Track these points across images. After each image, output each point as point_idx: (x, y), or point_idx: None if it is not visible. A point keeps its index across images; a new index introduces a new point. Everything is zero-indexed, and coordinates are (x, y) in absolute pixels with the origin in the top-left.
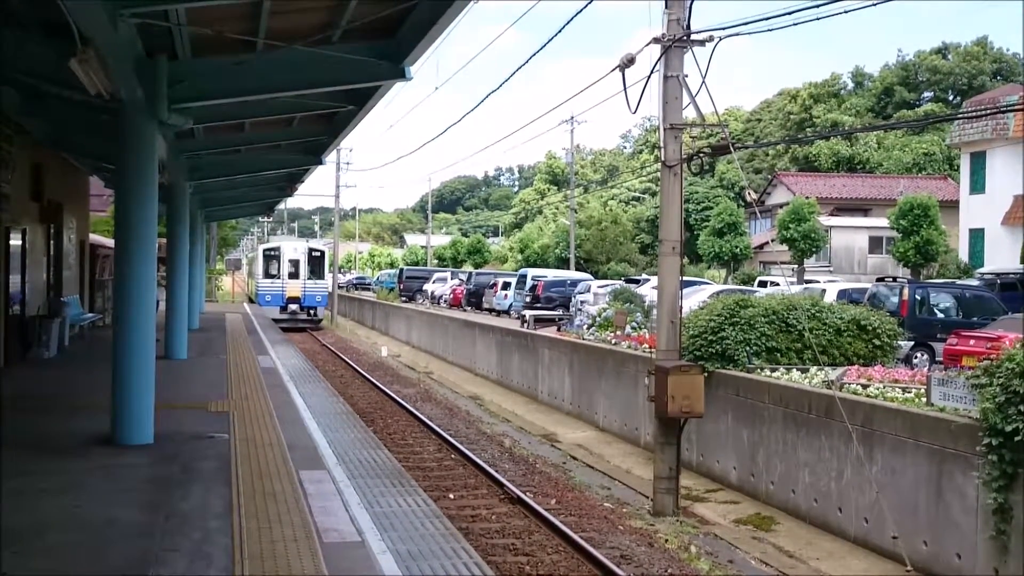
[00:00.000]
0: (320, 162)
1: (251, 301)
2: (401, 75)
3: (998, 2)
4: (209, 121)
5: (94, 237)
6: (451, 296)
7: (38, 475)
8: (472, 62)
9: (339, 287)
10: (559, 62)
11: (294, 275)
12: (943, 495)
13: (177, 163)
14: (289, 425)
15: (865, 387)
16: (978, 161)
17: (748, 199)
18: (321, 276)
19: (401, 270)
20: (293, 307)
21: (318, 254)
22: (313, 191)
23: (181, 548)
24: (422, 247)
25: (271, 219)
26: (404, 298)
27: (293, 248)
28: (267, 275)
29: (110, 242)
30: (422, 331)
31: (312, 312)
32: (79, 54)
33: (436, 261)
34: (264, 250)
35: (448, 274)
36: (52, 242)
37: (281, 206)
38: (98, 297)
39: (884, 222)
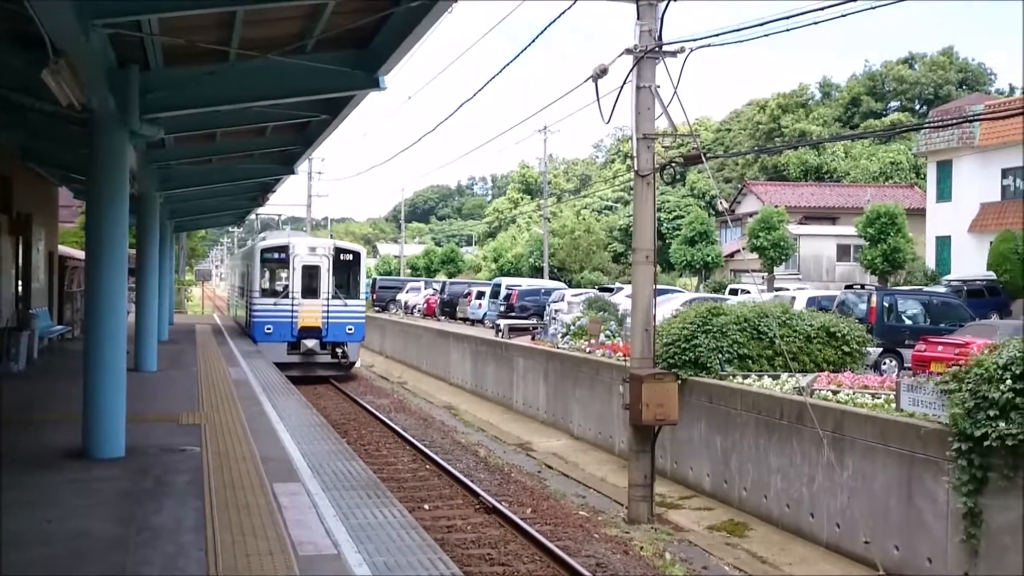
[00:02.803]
0: (292, 171)
1: (245, 334)
2: (375, 84)
3: (964, 3)
4: (181, 131)
5: (63, 249)
6: (425, 306)
7: (8, 489)
8: (451, 70)
9: None
10: (536, 70)
11: (311, 291)
12: (914, 500)
13: (148, 173)
14: (262, 437)
15: (835, 393)
16: (944, 169)
17: (719, 208)
18: (354, 292)
19: (374, 280)
20: (310, 343)
21: (350, 257)
22: (285, 201)
23: (154, 562)
24: (395, 257)
25: (242, 229)
26: (377, 308)
27: (310, 247)
28: (268, 291)
29: (80, 253)
30: (396, 341)
31: (341, 352)
32: (51, 65)
33: (409, 271)
34: (263, 251)
35: (422, 284)
36: (21, 254)
37: (252, 216)
38: (68, 309)
39: (852, 230)
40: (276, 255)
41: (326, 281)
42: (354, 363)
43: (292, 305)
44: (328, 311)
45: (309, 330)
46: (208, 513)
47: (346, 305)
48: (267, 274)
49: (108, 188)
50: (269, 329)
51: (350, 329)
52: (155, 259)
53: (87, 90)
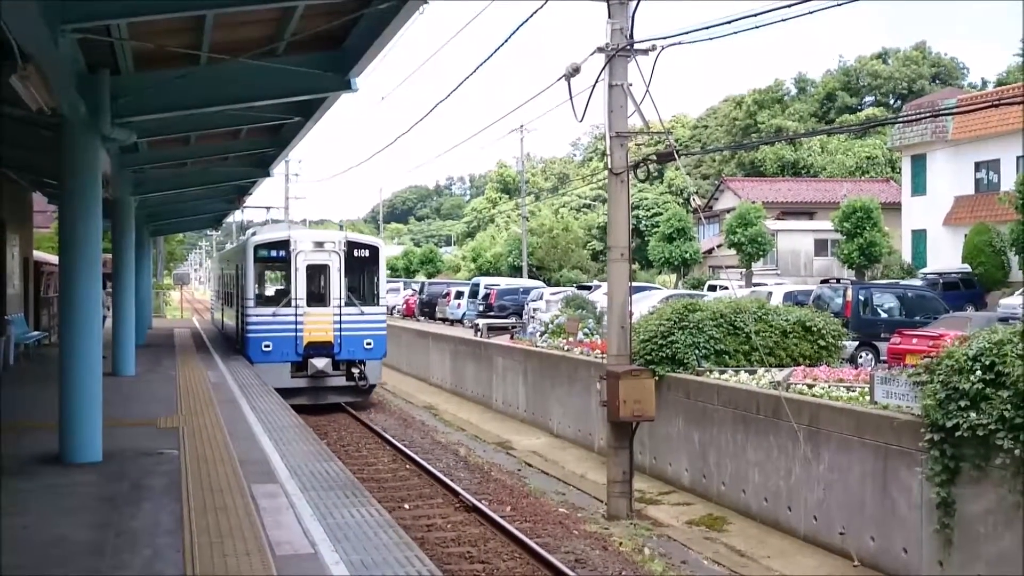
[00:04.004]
0: (268, 174)
1: (236, 350)
2: (347, 87)
3: (935, 3)
4: (154, 135)
5: (38, 254)
6: (404, 306)
7: None
8: (429, 71)
9: None
10: (513, 70)
11: (319, 296)
12: (888, 491)
13: (121, 178)
14: (240, 440)
15: (811, 387)
16: (919, 163)
17: (693, 205)
18: (372, 297)
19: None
20: (319, 363)
21: (366, 253)
22: (262, 203)
23: (131, 565)
24: None
25: (220, 232)
26: None
27: (316, 242)
28: (265, 297)
29: (55, 259)
30: None
31: (358, 372)
32: (20, 71)
33: (388, 271)
34: (257, 247)
35: (401, 284)
36: None
37: (230, 219)
38: (43, 315)
39: (828, 225)
40: (273, 252)
41: (337, 284)
42: (374, 386)
43: (296, 315)
44: (341, 322)
45: (317, 346)
46: (186, 515)
47: (363, 314)
48: (263, 276)
49: (80, 193)
50: (268, 346)
51: (368, 343)
52: (131, 263)
53: (57, 95)
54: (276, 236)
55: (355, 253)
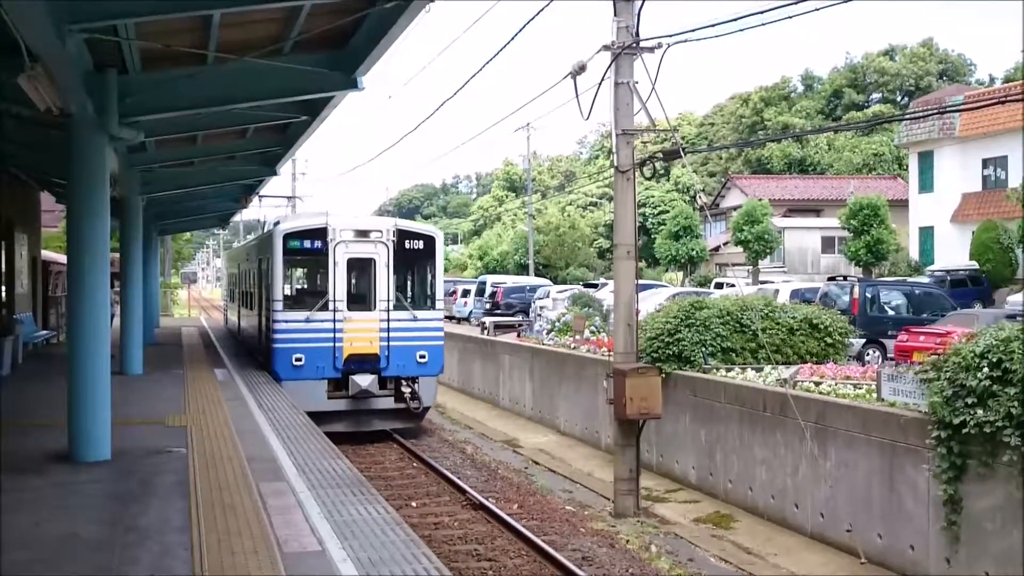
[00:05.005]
0: (275, 173)
1: (260, 362)
2: (353, 85)
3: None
4: (161, 134)
5: (47, 253)
6: None
7: None
8: (437, 70)
9: None
10: (521, 69)
11: (362, 298)
12: (895, 488)
13: (129, 177)
14: (248, 437)
15: (817, 384)
16: (926, 160)
17: (699, 203)
18: (428, 301)
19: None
20: (363, 381)
21: (420, 245)
22: (269, 202)
23: (141, 562)
24: None
25: (227, 230)
26: None
27: (359, 231)
28: (295, 299)
29: (63, 258)
30: None
31: (410, 391)
32: (27, 71)
33: None
34: (287, 237)
35: None
36: (3, 259)
37: (237, 218)
38: (52, 314)
39: (835, 222)
40: (307, 243)
41: (385, 282)
42: (428, 408)
43: (334, 321)
44: (389, 329)
45: (360, 359)
46: (194, 513)
47: (415, 319)
48: (293, 274)
49: (88, 192)
50: (299, 360)
51: (422, 356)
52: (139, 262)
53: (64, 95)
54: (310, 223)
55: (407, 244)
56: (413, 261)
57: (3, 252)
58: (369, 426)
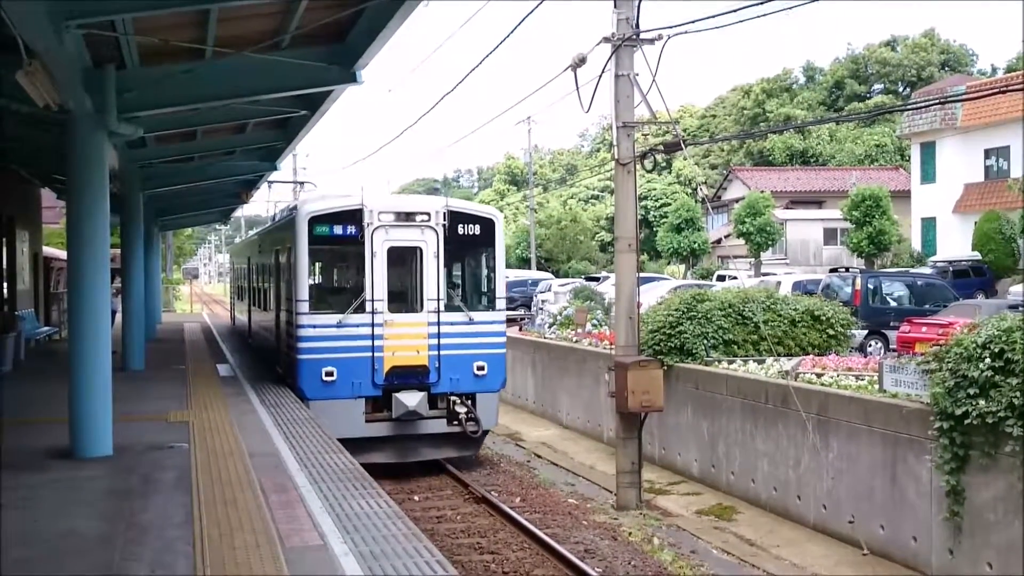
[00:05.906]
0: (275, 167)
1: (280, 375)
2: (352, 79)
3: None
4: (160, 130)
5: (48, 250)
6: None
7: None
8: (437, 64)
9: None
10: (522, 62)
11: (406, 296)
12: (897, 479)
13: (129, 173)
14: (250, 433)
15: (819, 376)
16: (928, 151)
17: (701, 195)
18: (486, 299)
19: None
20: (410, 400)
21: (476, 230)
22: (270, 197)
23: (142, 558)
24: None
25: (228, 226)
26: None
27: (401, 213)
28: (319, 298)
29: (64, 254)
30: None
31: (466, 411)
32: (25, 67)
33: None
34: (313, 219)
35: None
36: (5, 256)
37: (238, 213)
38: (53, 310)
39: (838, 214)
40: (338, 229)
41: (434, 277)
42: (487, 431)
43: (372, 326)
44: (440, 335)
45: (405, 373)
46: (195, 509)
47: (472, 322)
48: (319, 267)
49: (88, 188)
50: (330, 374)
51: (481, 368)
52: (140, 258)
53: (63, 91)
54: (342, 204)
55: (460, 229)
56: (468, 250)
57: (4, 248)
58: (417, 455)
